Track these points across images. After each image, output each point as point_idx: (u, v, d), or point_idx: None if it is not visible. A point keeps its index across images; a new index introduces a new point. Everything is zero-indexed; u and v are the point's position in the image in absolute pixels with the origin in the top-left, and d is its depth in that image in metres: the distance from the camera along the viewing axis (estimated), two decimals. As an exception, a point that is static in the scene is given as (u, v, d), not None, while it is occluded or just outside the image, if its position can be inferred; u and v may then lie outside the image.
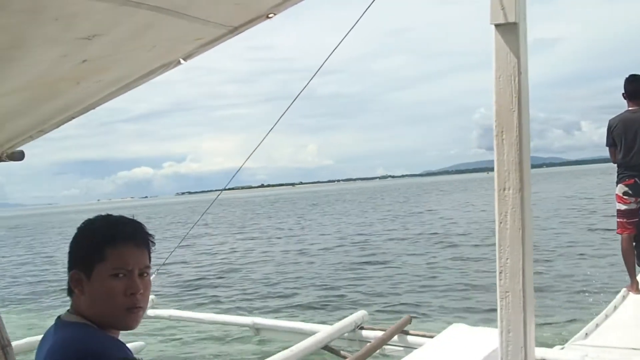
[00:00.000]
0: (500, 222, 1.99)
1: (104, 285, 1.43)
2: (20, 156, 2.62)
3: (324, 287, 13.14)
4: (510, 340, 2.01)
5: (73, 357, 1.32)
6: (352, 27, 2.75)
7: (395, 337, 4.50)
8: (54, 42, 1.56)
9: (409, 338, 4.53)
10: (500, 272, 2.00)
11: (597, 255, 13.62)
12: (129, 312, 1.45)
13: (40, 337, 1.49)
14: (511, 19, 1.91)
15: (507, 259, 1.99)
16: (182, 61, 2.10)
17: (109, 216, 1.54)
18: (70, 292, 1.49)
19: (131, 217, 1.55)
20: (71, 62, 1.77)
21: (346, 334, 4.70)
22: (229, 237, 27.99)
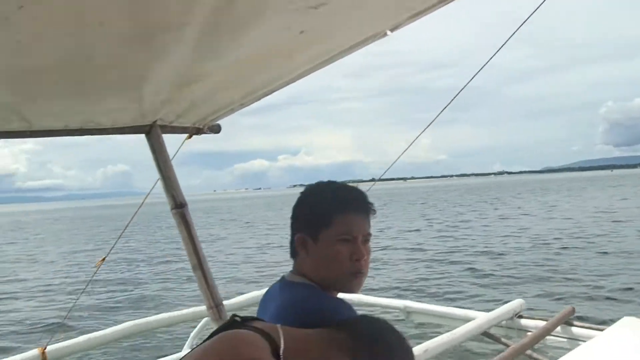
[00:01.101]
0: None
1: (330, 250, 1.49)
2: (218, 129, 2.75)
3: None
4: None
5: (306, 314, 1.38)
6: (517, 30, 2.64)
7: (558, 328, 4.33)
8: (286, 11, 1.58)
9: (574, 330, 4.31)
10: None
11: None
12: (353, 276, 1.52)
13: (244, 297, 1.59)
14: None
15: None
16: (388, 33, 2.15)
17: (333, 183, 1.62)
18: (294, 254, 1.58)
19: (354, 186, 1.60)
20: (291, 33, 1.85)
21: (504, 322, 4.60)
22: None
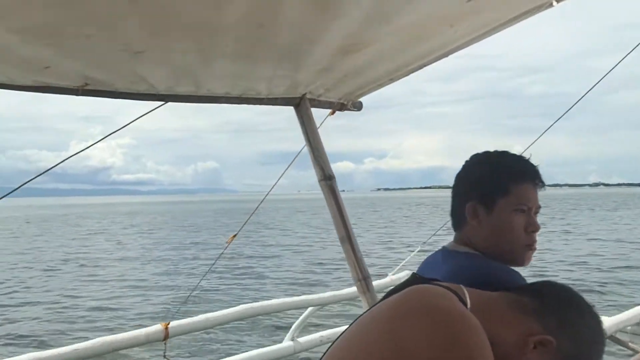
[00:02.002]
0: None
1: (507, 220, 1.46)
2: (360, 106, 2.79)
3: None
4: None
5: (479, 280, 1.34)
6: (635, 48, 2.44)
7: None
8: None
9: None
10: None
11: None
12: (527, 249, 1.48)
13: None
14: None
15: None
16: (554, 3, 2.05)
17: (506, 152, 1.57)
18: (458, 223, 1.55)
19: (527, 158, 1.55)
20: (458, 1, 1.81)
21: (629, 327, 4.34)
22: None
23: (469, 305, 1.18)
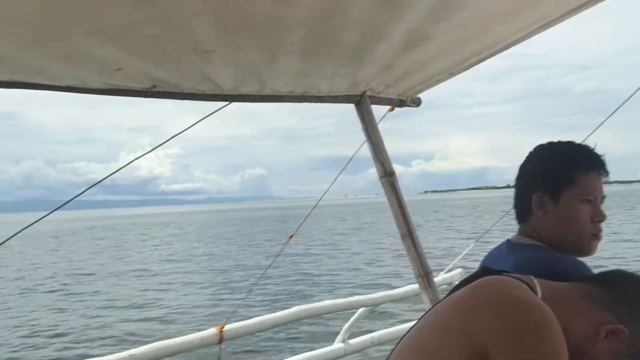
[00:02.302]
0: None
1: (573, 210, 1.47)
2: (419, 101, 2.81)
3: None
4: None
5: (546, 272, 1.33)
6: None
7: None
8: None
9: None
10: None
11: None
12: (593, 238, 1.48)
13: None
14: None
15: None
16: None
17: (572, 142, 1.56)
18: (523, 215, 1.55)
19: (590, 147, 1.55)
20: None
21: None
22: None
23: (539, 296, 1.19)
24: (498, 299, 1.11)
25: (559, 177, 1.49)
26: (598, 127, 2.81)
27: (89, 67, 1.75)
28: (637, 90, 2.72)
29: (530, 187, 1.54)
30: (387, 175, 2.57)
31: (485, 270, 1.36)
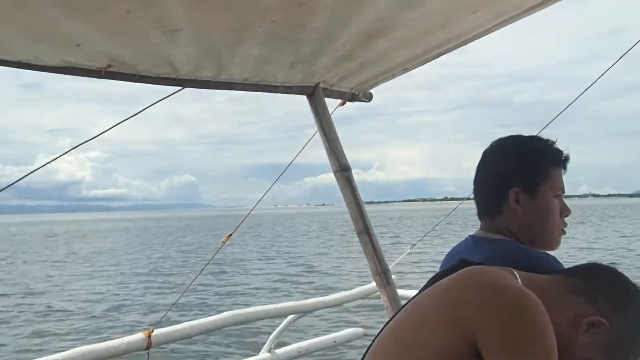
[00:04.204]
0: None
1: (548, 205, 1.57)
2: (371, 96, 2.99)
3: None
4: None
5: (520, 265, 1.36)
6: (630, 48, 2.58)
7: None
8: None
9: None
10: None
11: None
12: (562, 233, 1.62)
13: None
14: None
15: None
16: None
17: (539, 137, 1.68)
18: (491, 210, 1.62)
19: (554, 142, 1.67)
20: None
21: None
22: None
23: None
24: (487, 286, 1.15)
25: (536, 171, 1.57)
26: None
27: (49, 42, 1.77)
28: (572, 101, 2.94)
29: (505, 182, 1.60)
30: (342, 170, 2.69)
31: (463, 261, 1.39)
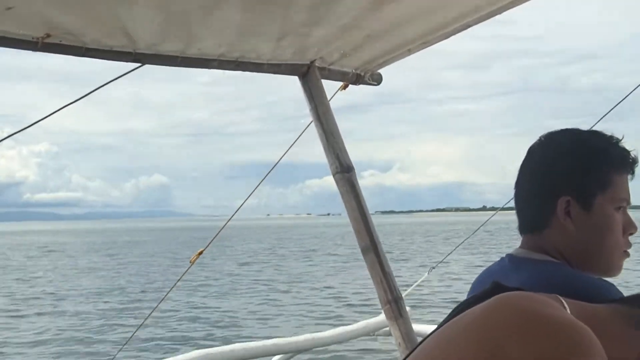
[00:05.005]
0: None
1: (607, 219, 1.50)
2: (379, 79, 2.84)
3: None
4: None
5: (570, 293, 1.33)
6: None
7: None
8: None
9: None
10: None
11: None
12: (624, 255, 1.55)
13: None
14: None
15: None
16: None
17: (600, 133, 1.59)
18: (535, 224, 1.58)
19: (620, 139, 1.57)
20: None
21: None
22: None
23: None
24: (528, 317, 1.13)
25: (593, 177, 1.50)
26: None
27: None
28: (637, 86, 2.92)
29: (552, 188, 1.53)
30: (344, 171, 2.57)
31: (497, 286, 1.34)
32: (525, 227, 1.61)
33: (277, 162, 3.00)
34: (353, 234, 2.65)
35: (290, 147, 2.88)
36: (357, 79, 2.81)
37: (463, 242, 4.44)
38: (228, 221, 3.74)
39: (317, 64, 2.62)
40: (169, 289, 4.09)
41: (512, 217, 1.62)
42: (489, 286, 1.34)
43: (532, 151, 1.63)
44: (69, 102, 2.26)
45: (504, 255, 1.66)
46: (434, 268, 3.94)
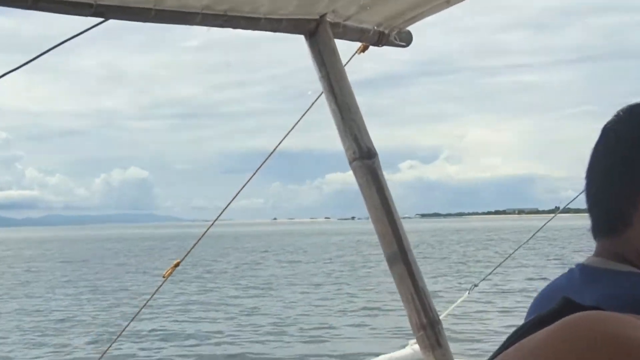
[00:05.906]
0: None
1: None
2: (408, 39, 2.79)
3: None
4: None
5: None
6: None
7: None
8: None
9: None
10: None
11: None
12: None
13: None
14: None
15: None
16: None
17: None
18: (613, 227, 1.59)
19: None
20: None
21: None
22: None
23: None
24: (610, 344, 1.14)
25: None
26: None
27: None
28: None
29: (636, 180, 1.55)
30: (364, 157, 2.51)
31: (567, 304, 1.35)
32: (599, 229, 1.61)
33: (274, 150, 2.91)
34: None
35: (293, 128, 2.75)
36: (380, 39, 2.77)
37: (511, 255, 4.48)
38: (208, 228, 3.81)
39: (328, 19, 2.57)
40: (138, 309, 4.21)
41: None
42: (557, 304, 1.35)
43: (607, 131, 1.61)
44: (10, 69, 2.22)
45: (572, 266, 1.63)
46: (476, 286, 3.99)
